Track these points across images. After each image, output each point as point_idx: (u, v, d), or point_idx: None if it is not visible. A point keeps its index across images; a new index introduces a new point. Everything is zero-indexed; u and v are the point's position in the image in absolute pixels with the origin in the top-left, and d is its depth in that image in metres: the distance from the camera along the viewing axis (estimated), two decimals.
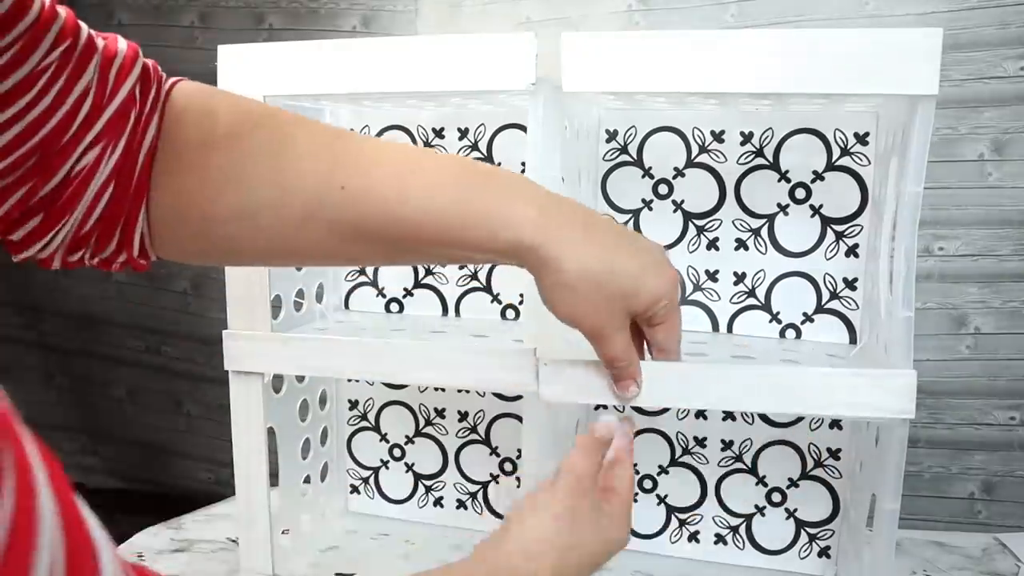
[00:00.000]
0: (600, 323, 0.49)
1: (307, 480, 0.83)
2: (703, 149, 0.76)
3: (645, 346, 0.55)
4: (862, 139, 0.72)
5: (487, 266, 0.83)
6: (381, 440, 0.90)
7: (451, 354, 0.66)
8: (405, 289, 0.86)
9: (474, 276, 0.83)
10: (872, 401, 0.57)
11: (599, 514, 0.50)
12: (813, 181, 0.74)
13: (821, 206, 0.74)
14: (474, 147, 0.81)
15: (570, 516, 0.48)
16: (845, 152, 0.73)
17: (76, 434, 1.31)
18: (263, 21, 1.09)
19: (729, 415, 0.79)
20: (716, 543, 0.82)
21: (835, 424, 0.77)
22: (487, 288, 0.83)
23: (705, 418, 0.80)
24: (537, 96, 0.61)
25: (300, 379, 0.80)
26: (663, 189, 0.77)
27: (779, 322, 0.76)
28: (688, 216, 0.77)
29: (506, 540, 0.47)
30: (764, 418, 0.78)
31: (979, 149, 0.88)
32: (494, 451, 0.86)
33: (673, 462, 0.81)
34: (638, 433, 0.82)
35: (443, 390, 0.87)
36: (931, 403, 0.93)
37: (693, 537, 0.82)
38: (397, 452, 0.90)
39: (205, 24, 1.11)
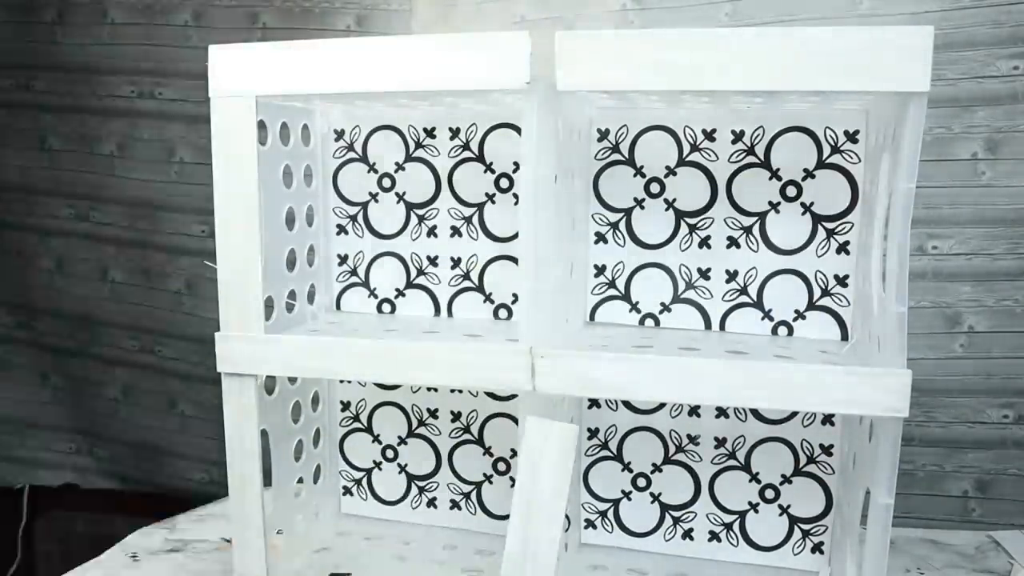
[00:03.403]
0: None
1: (300, 481, 0.83)
2: (694, 148, 0.76)
3: None
4: (852, 137, 0.72)
5: (479, 266, 0.83)
6: (374, 441, 0.90)
7: (444, 354, 0.66)
8: (397, 290, 0.86)
9: (466, 276, 0.83)
10: (867, 399, 0.57)
11: None
12: (804, 179, 0.74)
13: (812, 204, 0.74)
14: (465, 147, 0.81)
15: None
16: (835, 150, 0.73)
17: (70, 434, 1.31)
18: (257, 20, 1.09)
19: (722, 412, 0.79)
20: (710, 540, 0.82)
21: (828, 420, 0.77)
22: (479, 288, 0.83)
23: (698, 415, 0.80)
24: (532, 95, 0.61)
25: (292, 380, 0.80)
26: (655, 188, 0.77)
27: (771, 319, 0.76)
28: (680, 214, 0.77)
29: None
30: (757, 415, 0.78)
31: (972, 148, 0.89)
32: (487, 451, 0.86)
33: (666, 460, 0.81)
34: (631, 432, 0.82)
35: (436, 390, 0.87)
36: (925, 401, 0.93)
37: (687, 535, 0.82)
38: (390, 453, 0.90)
39: (199, 23, 1.11)
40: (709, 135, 0.75)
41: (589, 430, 0.83)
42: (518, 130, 0.78)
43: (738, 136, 0.75)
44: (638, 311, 0.80)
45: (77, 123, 1.20)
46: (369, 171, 0.84)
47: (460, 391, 0.86)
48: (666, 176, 0.77)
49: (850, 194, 0.73)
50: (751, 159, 0.75)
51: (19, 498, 1.35)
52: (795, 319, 0.76)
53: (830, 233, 0.74)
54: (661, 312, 0.79)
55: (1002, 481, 0.94)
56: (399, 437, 0.89)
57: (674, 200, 0.77)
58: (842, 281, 0.74)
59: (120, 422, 1.26)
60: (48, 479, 1.33)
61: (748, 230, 0.76)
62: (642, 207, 0.78)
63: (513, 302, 0.83)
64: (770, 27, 0.87)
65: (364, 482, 0.91)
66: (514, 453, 0.85)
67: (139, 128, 1.17)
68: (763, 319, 0.77)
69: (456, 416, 0.87)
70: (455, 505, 0.89)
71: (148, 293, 1.21)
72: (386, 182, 0.84)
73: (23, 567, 1.37)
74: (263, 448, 0.73)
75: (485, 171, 0.81)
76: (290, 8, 1.07)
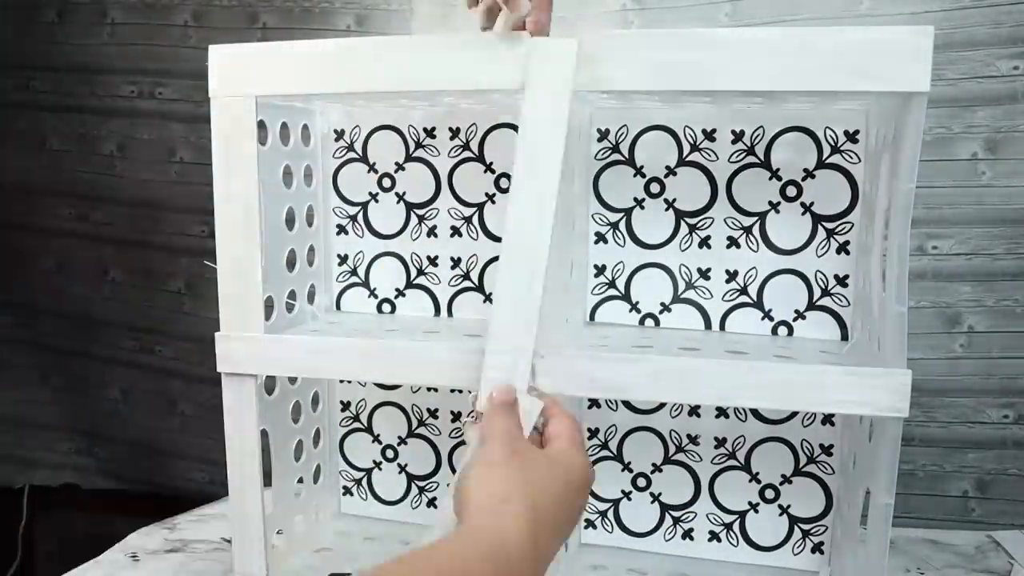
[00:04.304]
0: None
1: (300, 481, 0.83)
2: (694, 148, 0.76)
3: None
4: (852, 137, 0.72)
5: (479, 265, 0.83)
6: (374, 441, 0.90)
7: (444, 354, 0.66)
8: (397, 289, 0.86)
9: (466, 276, 0.83)
10: (866, 399, 0.57)
11: (545, 455, 0.50)
12: (804, 179, 0.74)
13: (812, 204, 0.74)
14: (465, 147, 0.81)
15: (511, 462, 0.47)
16: (835, 150, 0.73)
17: (70, 434, 1.30)
18: (257, 20, 1.09)
19: (722, 412, 0.79)
20: (710, 540, 0.82)
21: (827, 420, 0.77)
22: (479, 288, 0.83)
23: (698, 415, 0.80)
24: None
25: (292, 380, 0.80)
26: (655, 188, 0.77)
27: (771, 319, 0.76)
28: (680, 214, 0.77)
29: (462, 513, 0.45)
30: (757, 415, 0.78)
31: (972, 148, 0.89)
32: None
33: (666, 460, 0.81)
34: (631, 432, 0.82)
35: (436, 390, 0.86)
36: (925, 401, 0.93)
37: (687, 535, 0.82)
38: (390, 453, 0.90)
39: (199, 23, 1.11)
40: (709, 135, 0.75)
41: (589, 430, 0.83)
42: (518, 130, 0.78)
43: (738, 136, 0.75)
44: (638, 311, 0.80)
45: (77, 123, 1.20)
46: (369, 171, 0.84)
47: (460, 391, 0.86)
48: (666, 176, 0.77)
49: (850, 194, 0.73)
50: (751, 159, 0.75)
51: (19, 498, 1.35)
52: (795, 319, 0.76)
53: (830, 233, 0.74)
54: (661, 312, 0.79)
55: (1002, 481, 0.94)
56: (399, 437, 0.89)
57: (674, 200, 0.77)
58: (842, 281, 0.74)
59: (120, 422, 1.26)
60: (48, 479, 1.32)
61: (748, 230, 0.76)
62: (642, 207, 0.78)
63: None
64: (770, 27, 0.87)
65: (364, 482, 0.91)
66: None
67: (139, 128, 1.17)
68: (763, 319, 0.77)
69: (456, 416, 0.87)
70: None
71: (148, 293, 1.21)
72: (386, 182, 0.84)
73: (23, 567, 1.37)
74: (263, 448, 0.73)
75: (485, 171, 0.81)
76: (290, 8, 1.07)
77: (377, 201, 0.85)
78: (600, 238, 0.79)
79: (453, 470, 0.88)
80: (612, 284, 0.80)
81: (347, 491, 0.92)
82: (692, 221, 0.77)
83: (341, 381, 0.89)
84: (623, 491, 0.83)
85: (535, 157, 0.61)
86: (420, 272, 0.85)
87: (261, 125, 0.69)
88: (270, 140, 0.72)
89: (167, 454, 1.25)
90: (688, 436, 0.80)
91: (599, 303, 0.81)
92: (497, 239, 0.82)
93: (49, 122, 1.21)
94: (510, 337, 0.59)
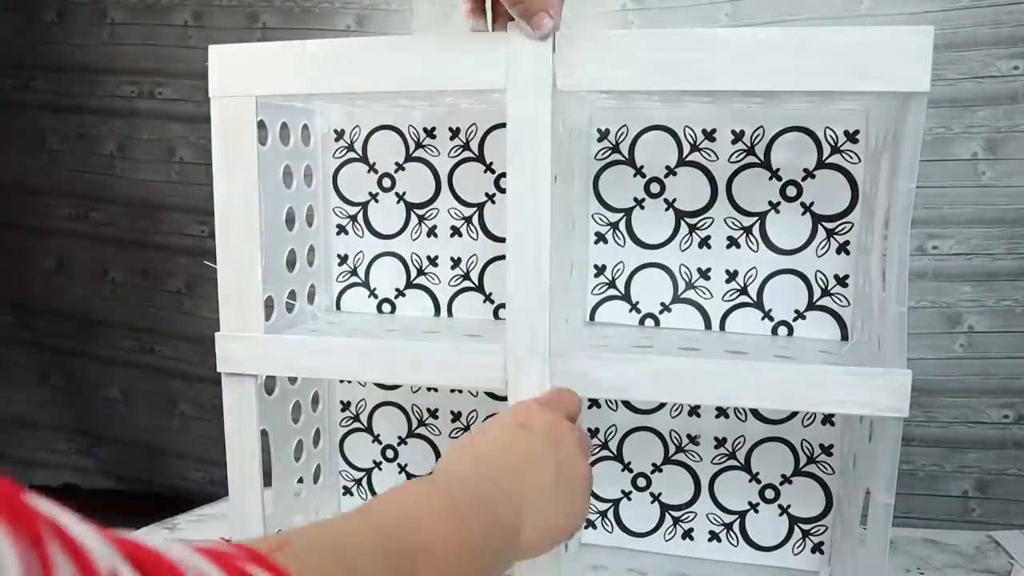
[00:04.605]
0: None
1: (300, 481, 0.83)
2: (694, 148, 0.76)
3: None
4: (852, 137, 0.72)
5: (480, 265, 0.83)
6: (374, 441, 0.90)
7: (443, 354, 0.66)
8: (397, 289, 0.86)
9: (466, 276, 0.83)
10: (867, 399, 0.57)
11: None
12: (804, 179, 0.74)
13: (812, 204, 0.74)
14: (465, 147, 0.81)
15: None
16: (835, 150, 0.73)
17: (70, 434, 1.31)
18: (257, 20, 1.09)
19: (722, 412, 0.79)
20: (710, 540, 0.82)
21: (827, 420, 0.77)
22: (479, 288, 0.83)
23: (698, 415, 0.80)
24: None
25: (292, 380, 0.80)
26: (655, 188, 0.77)
27: (771, 319, 0.76)
28: (680, 214, 0.77)
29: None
30: (757, 415, 0.78)
31: (972, 148, 0.89)
32: None
33: (667, 460, 0.81)
34: (631, 432, 0.82)
35: (436, 390, 0.86)
36: (925, 401, 0.93)
37: (687, 535, 0.82)
38: (390, 453, 0.90)
39: (198, 23, 1.11)
40: (709, 135, 0.75)
41: (589, 430, 0.83)
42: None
43: (738, 136, 0.75)
44: (638, 311, 0.80)
45: (77, 123, 1.20)
46: (369, 171, 0.84)
47: (460, 391, 0.86)
48: (666, 176, 0.77)
49: (850, 194, 0.73)
50: (751, 159, 0.75)
51: None
52: (795, 319, 0.76)
53: (830, 233, 0.74)
54: (661, 312, 0.79)
55: (1002, 481, 0.94)
56: (399, 437, 0.89)
57: (674, 200, 0.77)
58: (842, 281, 0.74)
59: (120, 422, 1.27)
60: (48, 479, 1.33)
61: (748, 230, 0.76)
62: (642, 207, 0.78)
63: None
64: (770, 27, 0.87)
65: (364, 482, 0.91)
66: None
67: (139, 128, 1.17)
68: (763, 319, 0.77)
69: (456, 416, 0.87)
70: None
71: (148, 293, 1.21)
72: (386, 182, 0.84)
73: None
74: (263, 448, 0.73)
75: (485, 171, 0.81)
76: (290, 8, 1.07)
77: (377, 201, 0.85)
78: (600, 238, 0.79)
79: None
80: (612, 284, 0.80)
81: (347, 491, 0.92)
82: (692, 221, 0.77)
83: (341, 381, 0.89)
84: (623, 491, 0.83)
85: (522, 158, 0.61)
86: (420, 272, 0.85)
87: (261, 125, 0.69)
88: (270, 140, 0.72)
89: (167, 454, 1.25)
90: (688, 436, 0.80)
91: (599, 303, 0.81)
92: (497, 239, 0.82)
93: (49, 122, 1.21)
94: (526, 321, 0.62)
